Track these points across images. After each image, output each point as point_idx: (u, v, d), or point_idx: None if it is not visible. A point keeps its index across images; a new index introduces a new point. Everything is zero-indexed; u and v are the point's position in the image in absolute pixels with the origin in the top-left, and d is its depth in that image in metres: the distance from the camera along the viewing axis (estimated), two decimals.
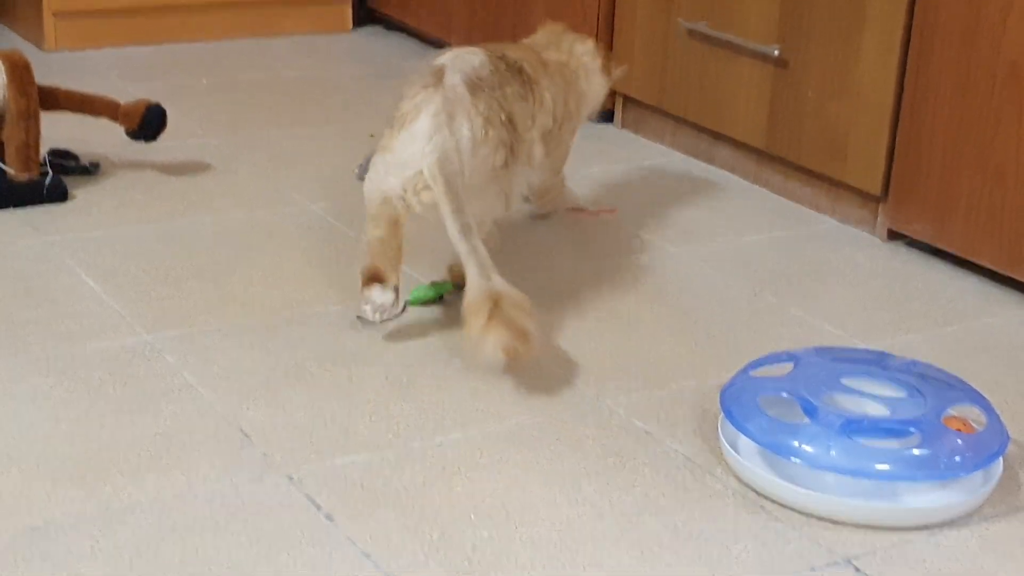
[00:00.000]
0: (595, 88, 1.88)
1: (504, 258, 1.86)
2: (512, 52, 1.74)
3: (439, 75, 1.60)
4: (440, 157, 1.52)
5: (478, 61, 1.66)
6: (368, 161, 2.12)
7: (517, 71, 1.69)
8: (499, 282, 1.49)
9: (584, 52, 1.86)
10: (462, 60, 1.64)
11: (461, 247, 1.51)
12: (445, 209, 1.52)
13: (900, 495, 1.30)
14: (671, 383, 1.56)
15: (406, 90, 1.62)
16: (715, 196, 2.16)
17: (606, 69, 1.89)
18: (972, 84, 1.80)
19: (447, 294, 1.73)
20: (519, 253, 1.90)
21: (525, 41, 1.87)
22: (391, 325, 1.65)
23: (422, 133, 1.54)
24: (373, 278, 1.59)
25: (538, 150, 1.72)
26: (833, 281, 1.86)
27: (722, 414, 1.37)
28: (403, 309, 1.69)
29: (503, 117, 1.61)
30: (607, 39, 2.40)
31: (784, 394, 1.35)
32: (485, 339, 1.44)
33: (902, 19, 1.88)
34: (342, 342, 1.61)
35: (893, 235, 2.00)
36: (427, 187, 1.54)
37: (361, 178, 2.12)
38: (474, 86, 1.60)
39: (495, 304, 1.45)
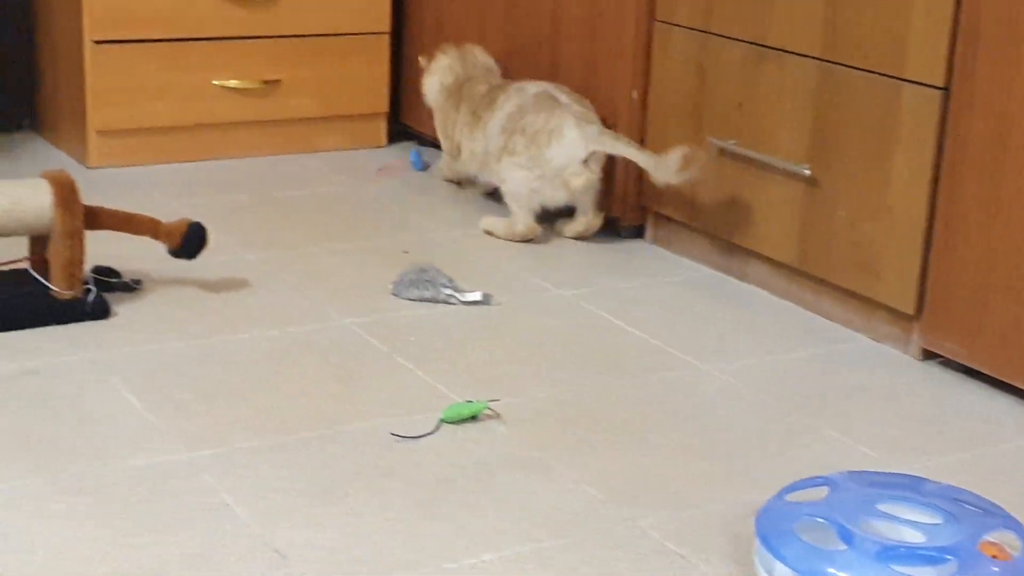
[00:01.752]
0: None
1: (531, 372, 1.87)
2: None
3: (554, 101, 2.39)
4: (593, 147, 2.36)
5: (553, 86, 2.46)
6: (403, 277, 2.16)
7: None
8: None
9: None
10: (552, 87, 2.44)
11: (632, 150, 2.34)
12: (619, 148, 2.35)
13: None
14: (704, 504, 1.56)
15: (530, 115, 2.40)
16: (746, 313, 2.18)
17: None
18: (1004, 206, 1.81)
19: (481, 413, 1.74)
20: (547, 366, 1.91)
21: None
22: (424, 443, 1.66)
23: (573, 139, 2.36)
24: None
25: None
26: (867, 401, 1.87)
27: (757, 539, 1.37)
28: (436, 427, 1.70)
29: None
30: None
31: (820, 519, 1.35)
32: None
33: (932, 140, 1.91)
34: (375, 459, 1.62)
35: (927, 354, 2.00)
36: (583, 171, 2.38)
37: (396, 294, 2.16)
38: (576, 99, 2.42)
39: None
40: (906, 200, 1.96)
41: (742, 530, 1.48)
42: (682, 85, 2.33)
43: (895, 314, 2.03)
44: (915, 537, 1.33)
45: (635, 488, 1.59)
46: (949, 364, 1.98)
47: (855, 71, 2.01)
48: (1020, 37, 1.76)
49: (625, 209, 2.49)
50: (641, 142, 2.43)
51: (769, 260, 2.24)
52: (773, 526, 1.35)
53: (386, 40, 2.99)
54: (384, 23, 2.98)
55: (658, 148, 2.39)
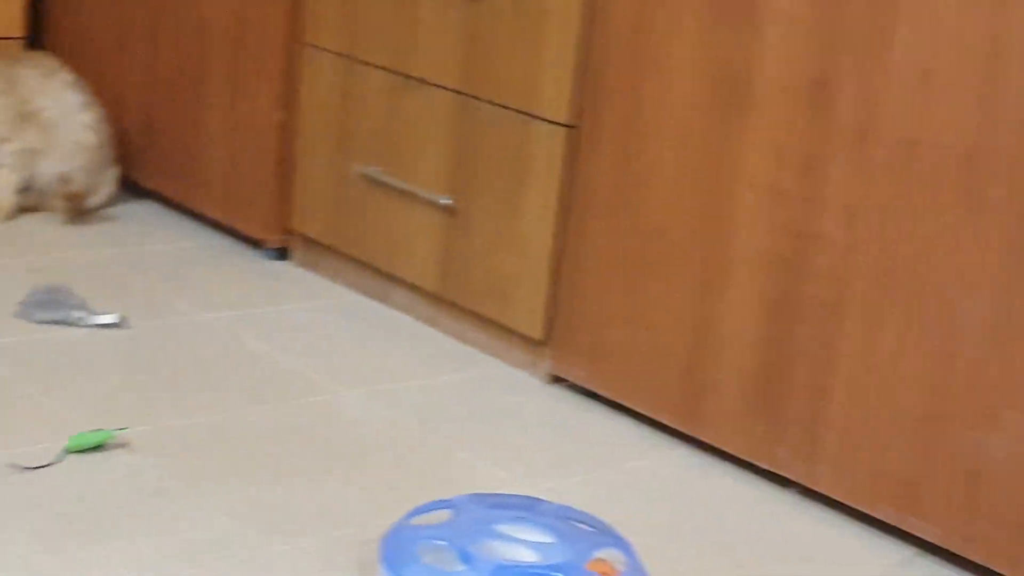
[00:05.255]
0: None
1: (166, 399, 1.83)
2: None
3: None
4: None
5: None
6: (31, 297, 2.07)
7: None
8: None
9: None
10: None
11: None
12: None
13: None
14: (336, 529, 1.57)
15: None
16: (389, 338, 2.21)
17: None
18: (623, 242, 1.92)
19: (109, 442, 1.69)
20: (183, 393, 1.87)
21: None
22: (45, 474, 1.60)
23: None
24: None
25: None
26: (499, 424, 1.93)
27: (381, 563, 1.39)
28: (60, 457, 1.64)
29: None
30: (283, 177, 2.43)
31: (440, 542, 1.38)
32: None
33: (561, 175, 2.00)
34: None
35: (556, 379, 2.09)
36: None
37: (23, 316, 2.06)
38: None
39: None
40: (537, 231, 2.04)
41: (370, 554, 1.50)
42: (328, 110, 2.34)
43: (526, 340, 2.11)
44: (529, 556, 1.39)
45: (269, 516, 1.58)
46: (575, 388, 2.07)
47: (491, 105, 2.08)
48: (641, 79, 1.88)
49: (269, 230, 2.47)
50: (287, 165, 2.43)
51: (413, 286, 2.28)
52: (396, 549, 1.38)
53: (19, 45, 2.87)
54: (16, 30, 2.86)
55: (308, 173, 2.40)
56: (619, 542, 1.44)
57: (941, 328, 1.61)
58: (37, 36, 2.94)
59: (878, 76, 1.64)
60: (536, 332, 2.07)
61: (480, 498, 1.50)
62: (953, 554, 1.66)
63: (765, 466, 1.81)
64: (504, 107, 2.06)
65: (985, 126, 1.55)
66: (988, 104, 1.55)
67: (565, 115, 1.98)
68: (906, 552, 1.68)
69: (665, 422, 1.92)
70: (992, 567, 1.61)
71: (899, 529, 1.70)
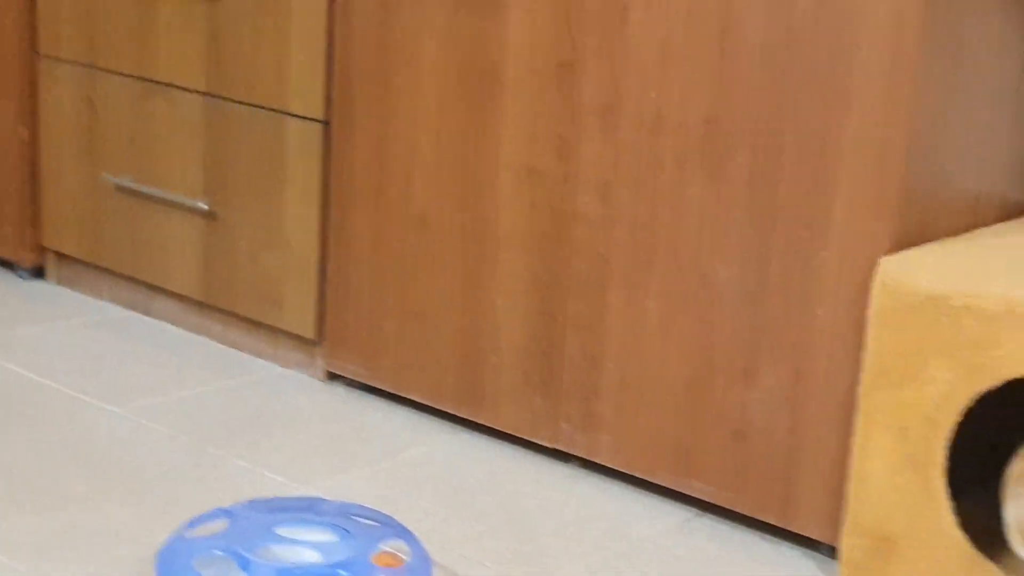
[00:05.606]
0: None
1: None
2: None
3: None
4: None
5: None
6: None
7: None
8: None
9: None
10: None
11: None
12: None
13: None
14: (111, 551, 1.52)
15: None
16: (156, 350, 2.15)
17: None
18: (388, 235, 1.92)
19: None
20: None
21: None
22: None
23: None
24: None
25: None
26: (276, 427, 1.90)
27: None
28: None
29: None
30: (31, 193, 2.34)
31: (218, 552, 1.36)
32: None
33: (319, 172, 1.98)
34: None
35: (332, 376, 2.07)
36: None
37: None
38: None
39: None
40: (300, 230, 2.02)
41: (147, 573, 1.46)
42: (73, 121, 2.27)
43: (299, 340, 2.09)
44: (312, 556, 1.37)
45: (40, 544, 1.52)
46: (353, 384, 2.06)
47: (241, 106, 2.05)
48: (391, 70, 1.87)
49: (22, 250, 2.38)
50: (34, 181, 2.34)
51: (176, 295, 2.23)
52: (172, 564, 1.34)
53: None
54: None
55: (57, 187, 2.31)
56: (402, 532, 1.44)
57: (699, 295, 1.67)
58: None
59: (618, 54, 1.68)
60: (308, 331, 2.05)
61: (258, 503, 1.48)
62: (728, 510, 1.72)
63: (545, 443, 1.84)
64: (255, 106, 2.03)
65: (722, 97, 1.61)
66: (723, 76, 1.61)
67: (317, 111, 1.96)
68: (685, 514, 1.73)
69: (445, 409, 1.93)
70: (763, 519, 1.67)
71: (678, 492, 1.76)
